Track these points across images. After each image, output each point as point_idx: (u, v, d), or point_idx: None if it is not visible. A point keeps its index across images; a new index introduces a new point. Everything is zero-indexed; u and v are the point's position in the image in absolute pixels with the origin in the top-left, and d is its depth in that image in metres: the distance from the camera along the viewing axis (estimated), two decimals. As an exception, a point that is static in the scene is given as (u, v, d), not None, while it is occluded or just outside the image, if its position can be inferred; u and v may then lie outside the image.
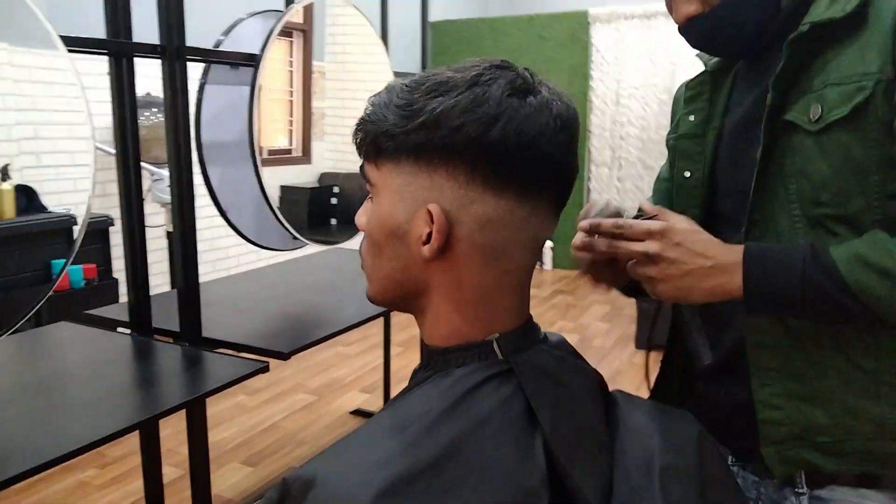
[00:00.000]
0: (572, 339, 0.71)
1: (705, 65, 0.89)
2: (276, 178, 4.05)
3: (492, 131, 0.54)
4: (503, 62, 0.58)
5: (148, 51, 1.29)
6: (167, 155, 1.35)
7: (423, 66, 2.45)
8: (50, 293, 1.19)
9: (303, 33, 4.69)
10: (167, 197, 3.07)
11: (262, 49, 1.54)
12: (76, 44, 1.17)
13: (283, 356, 1.29)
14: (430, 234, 0.56)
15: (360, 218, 0.63)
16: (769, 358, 0.75)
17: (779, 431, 0.75)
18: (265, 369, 1.23)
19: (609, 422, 0.60)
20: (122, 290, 2.69)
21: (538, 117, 0.55)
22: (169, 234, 3.31)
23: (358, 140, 0.60)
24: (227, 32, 1.68)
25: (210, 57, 1.49)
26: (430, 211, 0.56)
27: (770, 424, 0.75)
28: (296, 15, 4.85)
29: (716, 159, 0.85)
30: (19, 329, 2.20)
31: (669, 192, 0.92)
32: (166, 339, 1.41)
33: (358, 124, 0.59)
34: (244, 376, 1.21)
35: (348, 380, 3.21)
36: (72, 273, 2.73)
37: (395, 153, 0.57)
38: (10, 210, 2.55)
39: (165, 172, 3.02)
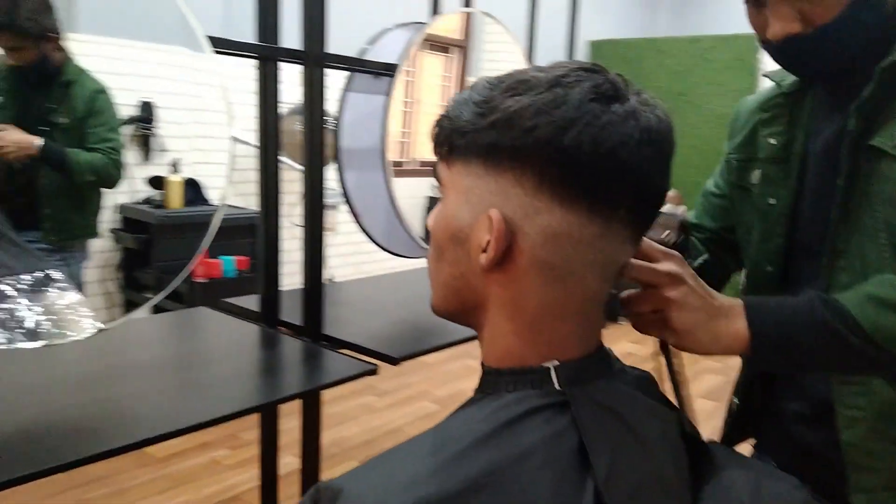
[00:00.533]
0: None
1: (778, 85, 0.83)
2: (423, 189, 4.15)
3: (565, 136, 0.50)
4: (594, 65, 0.54)
5: (291, 56, 1.35)
6: (304, 158, 1.41)
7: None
8: (183, 277, 1.28)
9: (460, 49, 4.79)
10: (330, 201, 3.25)
11: (401, 59, 1.58)
12: (224, 45, 1.25)
13: (394, 361, 1.29)
14: (489, 242, 0.52)
15: (430, 219, 0.60)
16: (855, 395, 0.69)
17: (870, 479, 0.68)
18: (373, 372, 1.24)
19: (695, 476, 0.53)
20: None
21: (620, 126, 0.50)
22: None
23: (433, 136, 0.57)
24: (372, 42, 1.73)
25: (349, 65, 1.54)
26: (490, 217, 0.52)
27: (860, 470, 0.68)
28: (454, 31, 4.96)
29: (800, 186, 0.80)
30: (168, 309, 2.39)
31: (722, 209, 0.91)
32: (290, 332, 1.47)
33: (436, 120, 0.57)
34: (352, 376, 1.23)
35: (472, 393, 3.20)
36: (225, 263, 2.94)
37: (465, 152, 0.54)
38: (177, 200, 2.81)
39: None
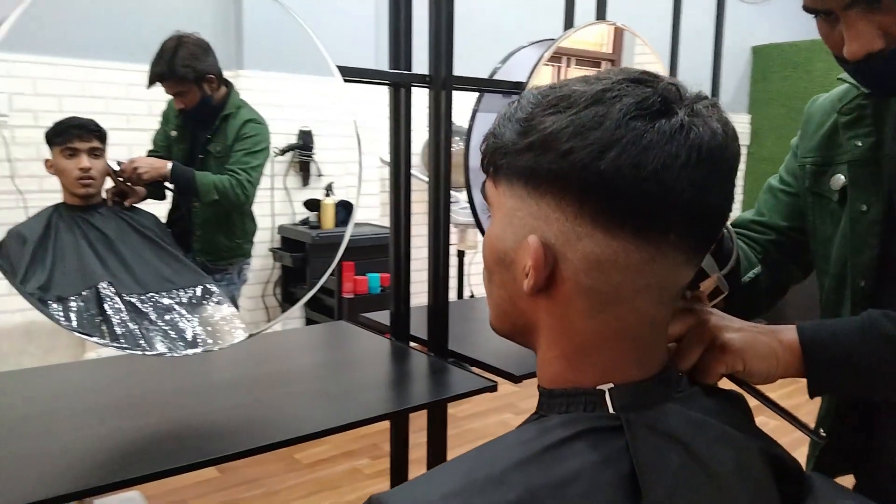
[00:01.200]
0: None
1: (857, 86, 0.76)
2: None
3: (603, 160, 0.47)
4: (643, 74, 0.50)
5: (419, 81, 1.41)
6: (428, 177, 1.46)
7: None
8: (311, 294, 1.37)
9: (611, 63, 4.71)
10: (460, 218, 3.32)
11: (528, 78, 1.59)
12: (357, 74, 1.34)
13: (515, 379, 1.30)
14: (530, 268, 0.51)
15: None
16: None
17: None
18: (493, 388, 1.26)
19: None
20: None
21: (665, 146, 0.47)
22: (460, 253, 3.57)
23: (481, 152, 0.57)
24: (504, 61, 1.76)
25: (477, 86, 1.58)
26: (529, 243, 0.51)
27: None
28: (604, 45, 4.86)
29: (893, 192, 0.72)
30: (318, 321, 2.52)
31: (793, 208, 0.85)
32: (420, 347, 1.52)
33: (485, 136, 0.56)
34: (471, 392, 1.25)
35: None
36: (371, 280, 3.09)
37: (507, 172, 0.53)
38: (330, 221, 3.00)
39: (460, 195, 3.26)
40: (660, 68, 2.02)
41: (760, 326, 0.62)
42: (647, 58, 2.20)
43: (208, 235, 1.43)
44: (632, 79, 0.50)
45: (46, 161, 1.28)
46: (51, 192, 1.29)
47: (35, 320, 2.33)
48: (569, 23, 1.84)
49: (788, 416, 0.61)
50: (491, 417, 3.08)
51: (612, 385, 0.52)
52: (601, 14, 1.89)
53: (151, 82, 1.28)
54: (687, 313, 0.61)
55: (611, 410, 0.51)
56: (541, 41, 1.80)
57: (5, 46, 1.00)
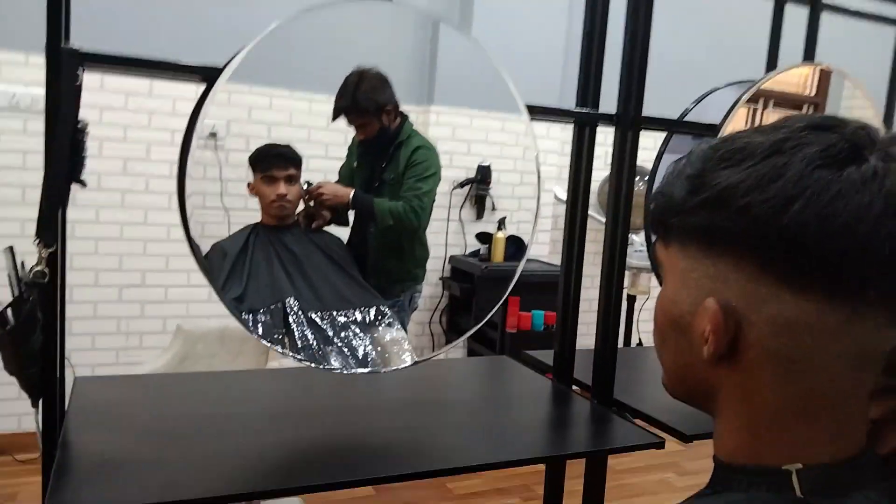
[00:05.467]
0: None
1: None
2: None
3: (785, 215, 0.43)
4: (826, 120, 0.45)
5: (605, 120, 1.38)
6: (606, 218, 1.42)
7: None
8: (478, 327, 1.37)
9: (814, 107, 4.36)
10: (634, 261, 3.21)
11: (724, 120, 1.50)
12: (545, 112, 1.33)
13: (685, 438, 1.21)
14: (710, 334, 0.47)
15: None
16: None
17: None
18: (660, 445, 1.18)
19: None
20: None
21: (856, 196, 0.42)
22: (630, 298, 3.44)
23: (650, 212, 0.53)
24: (697, 101, 1.68)
25: (665, 126, 1.52)
26: (706, 307, 0.46)
27: None
28: (808, 88, 4.55)
29: None
30: (480, 353, 2.52)
31: None
32: (582, 392, 1.47)
33: (652, 195, 0.53)
34: (637, 446, 1.18)
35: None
36: (535, 317, 3.06)
37: (679, 232, 0.49)
38: (500, 255, 3.02)
39: (637, 238, 3.15)
40: (872, 114, 1.83)
41: None
42: (857, 102, 2.01)
43: (382, 259, 1.49)
44: (813, 125, 0.45)
45: (249, 184, 1.40)
46: (252, 211, 1.41)
47: (228, 326, 2.56)
48: (772, 64, 1.73)
49: None
50: (653, 474, 2.91)
51: (800, 466, 0.46)
52: (809, 55, 1.76)
53: (335, 116, 1.37)
54: (890, 393, 0.53)
55: (798, 494, 0.45)
56: (739, 82, 1.71)
57: (231, 78, 1.11)
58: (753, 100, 1.66)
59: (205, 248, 1.29)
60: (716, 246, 0.47)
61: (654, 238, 0.55)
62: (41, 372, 0.99)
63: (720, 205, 0.46)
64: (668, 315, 0.52)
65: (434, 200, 1.49)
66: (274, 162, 1.39)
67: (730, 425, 0.50)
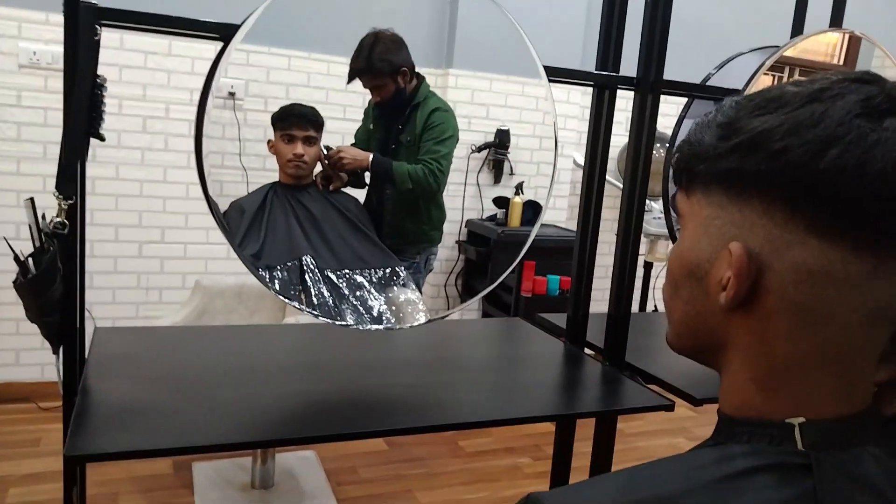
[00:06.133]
0: None
1: None
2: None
3: (823, 158, 0.42)
4: (866, 74, 0.45)
5: (626, 83, 1.36)
6: (623, 183, 1.40)
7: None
8: (491, 288, 1.38)
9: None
10: (652, 228, 3.19)
11: (746, 85, 1.47)
12: (563, 75, 1.31)
13: (695, 401, 1.21)
14: (729, 280, 0.46)
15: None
16: None
17: None
18: (670, 408, 1.19)
19: None
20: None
21: (894, 146, 0.41)
22: (647, 265, 3.43)
23: (673, 163, 0.53)
24: (720, 67, 1.65)
25: (686, 91, 1.49)
26: (731, 251, 0.46)
27: None
28: (834, 56, 4.44)
29: None
30: (494, 315, 2.51)
31: None
32: (595, 354, 1.48)
33: (678, 145, 0.52)
34: (646, 407, 1.19)
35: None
36: (550, 282, 3.06)
37: (705, 179, 0.49)
38: (516, 219, 3.01)
39: (655, 205, 3.13)
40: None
41: None
42: (889, 72, 1.96)
43: (399, 221, 1.50)
44: (853, 78, 0.45)
45: (269, 142, 1.41)
46: (271, 171, 1.42)
47: (246, 283, 2.59)
48: (797, 29, 1.68)
49: None
50: (662, 439, 2.93)
51: (803, 419, 0.46)
52: (836, 20, 1.71)
53: (351, 78, 1.36)
54: None
55: (799, 447, 0.45)
56: (763, 48, 1.67)
57: (248, 38, 1.10)
58: (778, 68, 1.62)
59: (223, 206, 1.30)
60: (745, 191, 0.47)
61: (675, 189, 0.55)
62: (61, 320, 1.01)
63: (754, 148, 0.45)
64: (686, 263, 0.52)
65: (451, 163, 1.48)
66: (294, 122, 1.39)
67: (737, 377, 0.50)
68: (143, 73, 2.86)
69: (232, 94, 2.43)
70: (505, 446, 2.76)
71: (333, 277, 1.39)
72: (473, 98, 3.16)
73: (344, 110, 1.46)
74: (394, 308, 1.45)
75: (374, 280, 1.44)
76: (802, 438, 0.45)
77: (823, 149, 0.43)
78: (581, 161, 3.24)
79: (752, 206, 0.46)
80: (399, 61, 1.36)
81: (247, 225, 1.37)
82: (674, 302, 0.54)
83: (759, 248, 0.46)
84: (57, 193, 0.97)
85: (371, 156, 1.41)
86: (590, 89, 1.42)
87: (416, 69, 1.40)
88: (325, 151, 1.40)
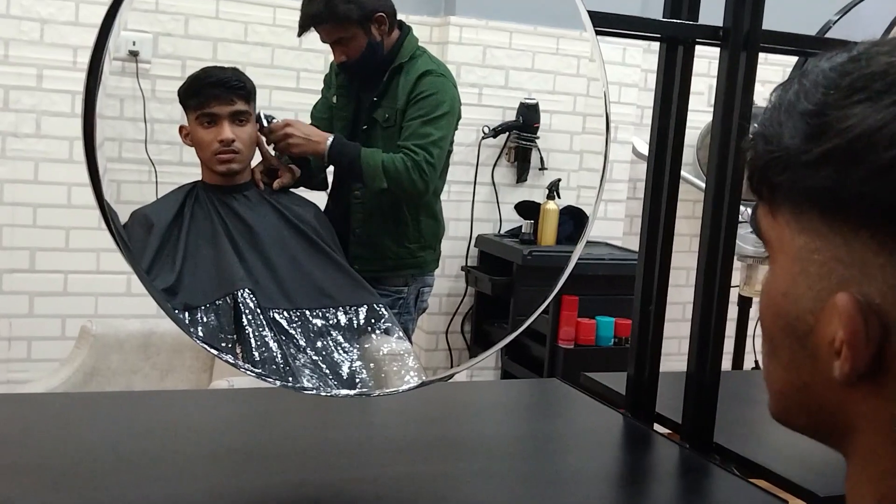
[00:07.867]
0: None
1: None
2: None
3: None
4: None
5: (708, 35, 1.38)
6: (706, 182, 1.42)
7: None
8: (513, 336, 1.39)
9: None
10: (749, 247, 3.19)
11: (882, 37, 1.49)
12: (617, 25, 1.34)
13: (815, 500, 1.22)
14: (843, 343, 0.47)
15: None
16: None
17: None
18: (784, 511, 1.20)
19: None
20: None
21: None
22: (743, 301, 3.43)
23: (748, 164, 0.53)
24: (842, 12, 1.68)
25: (796, 46, 1.51)
26: (837, 304, 0.46)
27: None
28: None
29: None
30: (518, 376, 2.52)
31: None
32: (669, 432, 1.48)
33: (748, 138, 0.53)
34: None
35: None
36: (601, 326, 3.06)
37: (791, 194, 0.49)
38: (550, 235, 3.01)
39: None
40: None
41: None
42: None
43: (372, 236, 1.47)
44: None
45: (181, 128, 1.37)
46: (191, 167, 1.41)
47: (155, 330, 2.59)
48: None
49: None
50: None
51: None
52: None
53: (303, 28, 1.35)
54: None
55: None
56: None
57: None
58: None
59: (123, 217, 1.30)
60: (848, 218, 0.46)
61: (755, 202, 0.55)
62: None
63: (853, 159, 0.45)
64: (779, 314, 0.52)
65: (450, 152, 1.48)
66: (212, 94, 1.35)
67: (872, 469, 0.50)
68: (4, 23, 2.89)
69: (134, 55, 2.45)
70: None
71: (283, 321, 1.40)
72: (485, 58, 3.19)
73: (297, 78, 1.47)
74: (372, 365, 1.45)
75: (343, 324, 1.44)
76: None
77: None
78: (644, 150, 3.24)
79: (860, 238, 0.46)
80: (373, 3, 1.36)
81: (156, 244, 1.37)
82: (771, 363, 0.55)
83: (882, 296, 0.46)
84: None
85: (331, 138, 1.39)
86: (656, 45, 1.44)
87: (399, 15, 1.40)
88: (266, 123, 1.37)
